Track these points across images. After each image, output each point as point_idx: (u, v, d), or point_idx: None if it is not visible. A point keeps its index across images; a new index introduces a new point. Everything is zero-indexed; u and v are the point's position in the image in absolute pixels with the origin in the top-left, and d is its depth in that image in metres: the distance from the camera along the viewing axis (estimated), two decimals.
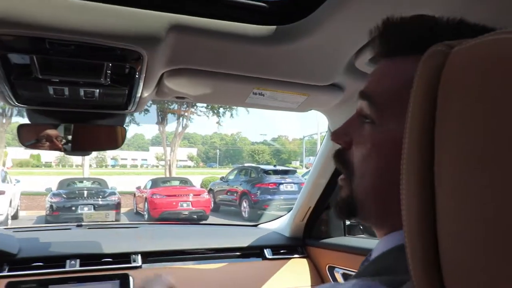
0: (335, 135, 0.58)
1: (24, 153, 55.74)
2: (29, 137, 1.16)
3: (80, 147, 1.22)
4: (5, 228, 1.78)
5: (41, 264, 1.41)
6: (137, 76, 0.95)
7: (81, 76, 0.93)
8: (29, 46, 0.81)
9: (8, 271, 1.36)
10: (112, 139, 1.25)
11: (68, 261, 1.45)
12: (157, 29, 0.81)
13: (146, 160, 67.25)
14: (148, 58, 0.87)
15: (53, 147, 1.16)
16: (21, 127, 1.15)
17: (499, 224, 0.26)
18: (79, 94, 1.02)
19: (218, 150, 76.61)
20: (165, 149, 22.61)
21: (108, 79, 0.96)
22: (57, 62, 0.88)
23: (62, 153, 1.23)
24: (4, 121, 18.16)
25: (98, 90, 1.01)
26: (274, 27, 0.89)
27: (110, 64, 0.90)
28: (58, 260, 1.44)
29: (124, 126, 1.26)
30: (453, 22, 0.51)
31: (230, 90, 1.11)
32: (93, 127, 1.24)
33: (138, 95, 1.05)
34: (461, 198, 0.29)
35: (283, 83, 1.08)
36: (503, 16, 0.75)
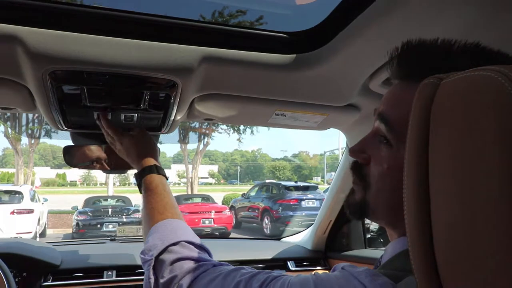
0: (353, 151, 0.63)
1: (50, 172, 57.18)
2: (73, 157, 1.28)
3: (118, 166, 1.33)
4: (46, 242, 1.91)
5: (81, 274, 1.52)
6: (171, 101, 1.06)
7: (123, 102, 1.05)
8: (80, 79, 0.93)
9: (52, 281, 1.48)
10: None
11: (105, 272, 1.56)
12: (191, 60, 0.92)
13: (168, 177, 67.80)
14: (182, 85, 0.98)
15: (95, 166, 1.28)
16: (66, 149, 1.27)
17: (480, 228, 0.34)
18: (120, 118, 1.14)
19: (239, 167, 76.75)
20: (186, 166, 22.88)
21: (146, 105, 1.07)
22: (103, 91, 1.00)
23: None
24: (32, 141, 18.79)
25: (136, 114, 1.12)
26: (294, 55, 0.98)
27: (149, 92, 1.02)
28: (96, 271, 1.55)
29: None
30: (470, 47, 0.54)
31: (254, 112, 1.20)
32: None
33: (172, 118, 1.16)
34: (450, 208, 0.37)
35: (303, 104, 1.17)
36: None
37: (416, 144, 0.42)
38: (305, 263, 1.85)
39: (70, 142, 1.29)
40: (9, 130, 17.79)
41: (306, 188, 12.37)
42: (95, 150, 1.27)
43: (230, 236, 10.89)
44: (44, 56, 0.83)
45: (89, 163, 1.27)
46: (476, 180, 0.35)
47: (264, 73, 1.00)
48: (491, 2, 0.73)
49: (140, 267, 1.61)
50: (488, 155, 0.34)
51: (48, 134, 17.98)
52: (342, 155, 1.77)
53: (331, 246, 1.90)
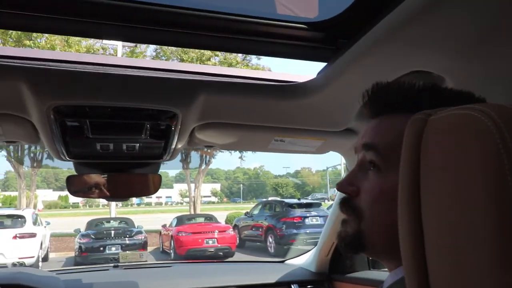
0: (341, 185, 0.64)
1: (52, 194, 57.00)
2: (76, 186, 1.30)
3: (119, 194, 1.34)
4: (49, 271, 1.91)
5: None
6: (172, 130, 1.08)
7: (125, 134, 1.08)
8: (83, 113, 0.95)
9: None
10: (148, 186, 1.38)
11: None
12: (190, 91, 0.94)
13: (170, 197, 67.51)
14: (182, 116, 1.00)
15: (98, 194, 1.29)
16: (69, 178, 1.29)
17: (468, 261, 0.35)
18: (122, 148, 1.16)
19: (241, 185, 76.43)
20: (189, 185, 22.81)
21: (148, 134, 1.09)
22: (106, 123, 1.02)
23: None
24: (35, 164, 18.82)
25: (138, 144, 1.15)
26: (292, 84, 1.01)
27: (149, 123, 1.04)
28: None
29: (158, 173, 1.38)
30: (427, 88, 0.61)
31: (253, 139, 1.22)
32: (131, 175, 1.37)
33: (173, 146, 1.18)
34: (441, 242, 0.38)
35: (301, 130, 1.19)
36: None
37: (408, 180, 0.43)
38: (309, 286, 1.84)
39: (71, 165, 1.31)
40: (11, 154, 17.87)
41: (309, 205, 12.28)
42: (95, 177, 1.29)
43: (234, 256, 10.79)
44: (48, 92, 0.85)
45: (82, 190, 1.29)
46: (464, 216, 0.36)
47: (262, 101, 1.02)
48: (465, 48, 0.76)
49: None
50: (473, 191, 0.35)
51: (50, 157, 18.03)
52: (344, 171, 1.77)
53: (335, 268, 1.89)
